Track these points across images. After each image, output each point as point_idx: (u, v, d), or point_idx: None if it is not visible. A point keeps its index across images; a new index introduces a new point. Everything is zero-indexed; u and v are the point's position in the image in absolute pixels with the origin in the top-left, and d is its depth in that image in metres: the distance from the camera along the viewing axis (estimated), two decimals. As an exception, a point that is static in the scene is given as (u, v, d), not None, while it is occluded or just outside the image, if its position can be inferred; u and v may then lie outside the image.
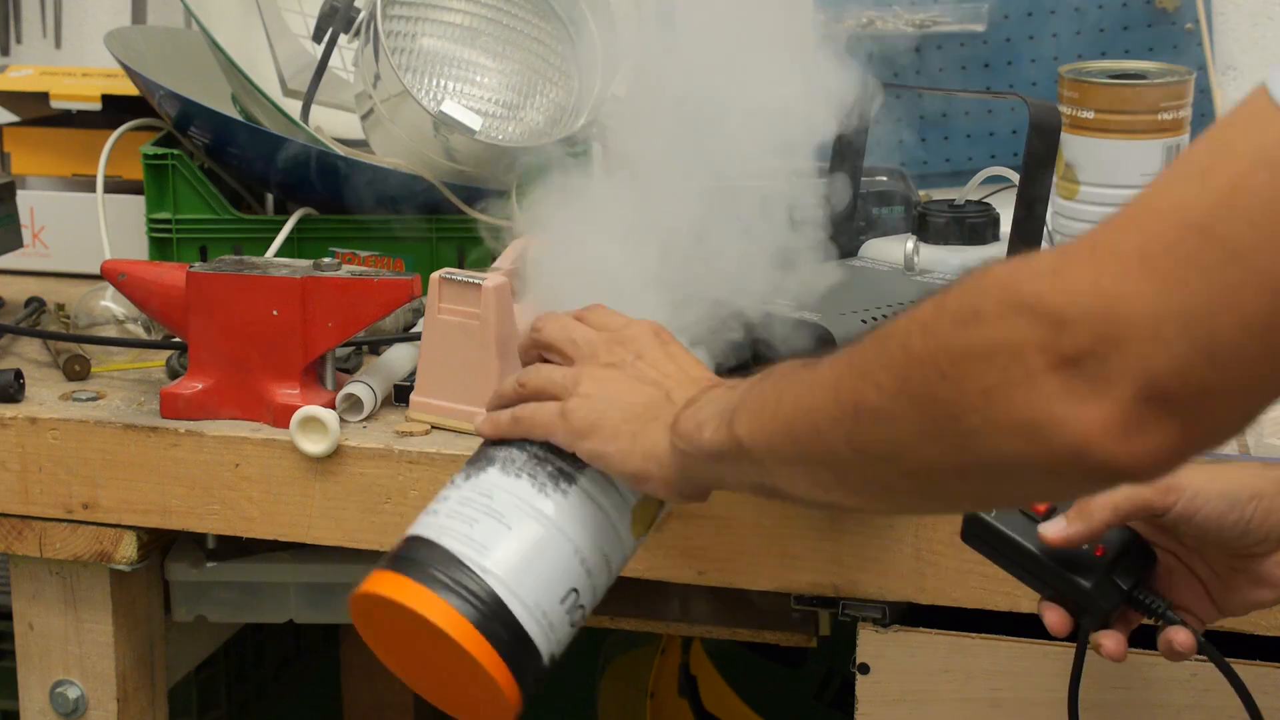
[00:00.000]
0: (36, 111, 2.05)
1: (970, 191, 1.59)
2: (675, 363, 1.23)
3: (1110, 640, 1.20)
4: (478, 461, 1.24)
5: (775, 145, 1.39)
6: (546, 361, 1.28)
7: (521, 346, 1.31)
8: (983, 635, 1.43)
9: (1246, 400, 0.84)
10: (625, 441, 1.18)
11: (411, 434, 1.53)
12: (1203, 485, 1.17)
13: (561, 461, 1.21)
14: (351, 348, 1.68)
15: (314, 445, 1.52)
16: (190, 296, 1.56)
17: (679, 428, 1.16)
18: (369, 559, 1.61)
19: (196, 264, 1.60)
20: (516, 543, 1.18)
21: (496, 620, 1.15)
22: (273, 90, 1.88)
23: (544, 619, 1.17)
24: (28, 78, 2.07)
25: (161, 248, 1.82)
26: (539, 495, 1.20)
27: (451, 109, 1.70)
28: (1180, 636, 1.19)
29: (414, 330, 1.68)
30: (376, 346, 1.69)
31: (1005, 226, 1.49)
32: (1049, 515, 1.18)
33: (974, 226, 1.52)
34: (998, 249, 1.48)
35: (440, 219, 1.78)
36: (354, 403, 1.56)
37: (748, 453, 1.08)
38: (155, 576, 1.70)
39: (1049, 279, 0.85)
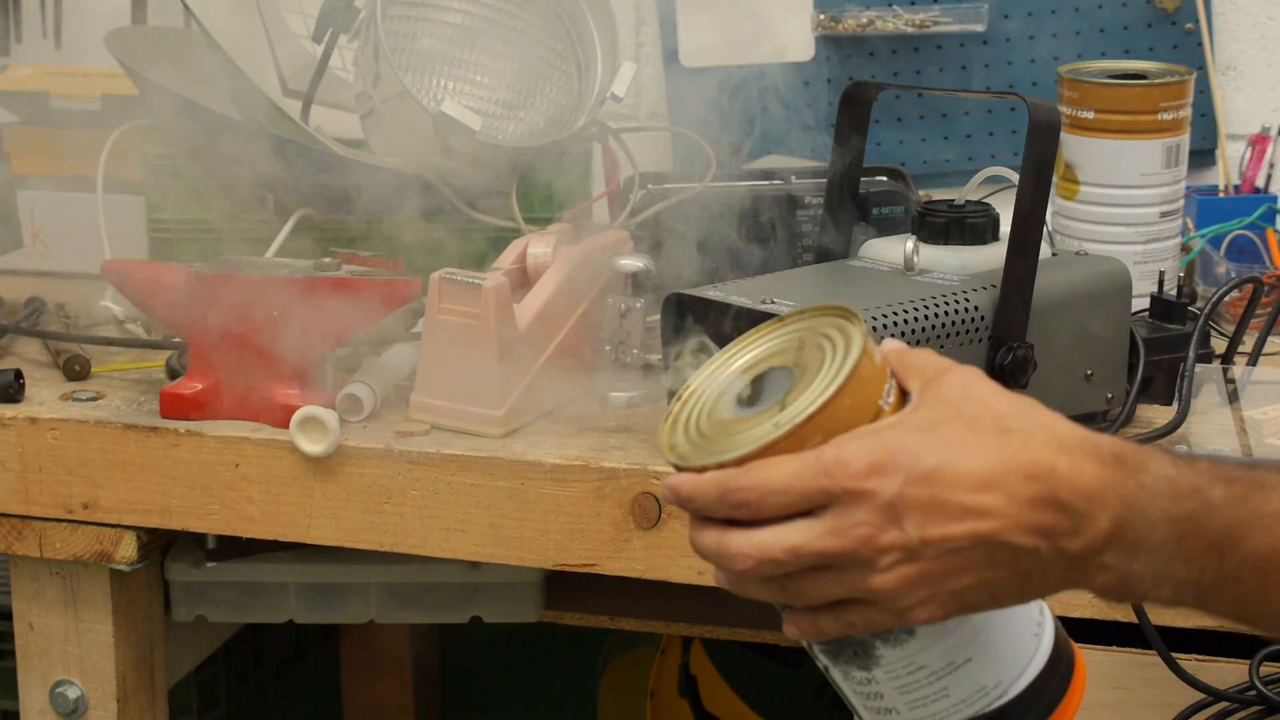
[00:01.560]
0: (36, 111, 2.05)
1: (970, 191, 1.59)
2: (943, 510, 0.93)
3: None
4: (845, 651, 1.03)
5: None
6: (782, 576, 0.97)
7: (750, 573, 0.96)
8: (983, 635, 1.43)
9: None
10: (1013, 601, 0.98)
11: (411, 434, 1.53)
12: None
13: None
14: (351, 348, 1.68)
15: (314, 445, 1.52)
16: (190, 296, 1.56)
17: (1099, 582, 0.96)
18: (369, 559, 1.62)
19: (196, 264, 1.60)
20: (981, 664, 1.02)
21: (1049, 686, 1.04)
22: (273, 90, 1.88)
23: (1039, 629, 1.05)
24: (28, 78, 2.07)
25: (161, 248, 1.82)
26: (942, 626, 1.01)
27: (451, 109, 1.70)
28: None
29: (414, 330, 1.68)
30: (376, 346, 1.69)
31: (1005, 226, 1.49)
32: None
33: (974, 226, 1.52)
34: (998, 249, 1.48)
35: (440, 219, 1.78)
36: (354, 403, 1.56)
37: (1217, 614, 0.98)
38: (155, 576, 1.70)
39: None
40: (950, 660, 1.01)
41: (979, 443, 0.94)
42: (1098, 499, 0.93)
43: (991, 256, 1.49)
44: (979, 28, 2.05)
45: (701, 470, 0.96)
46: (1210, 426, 1.52)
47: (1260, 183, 1.96)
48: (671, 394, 1.04)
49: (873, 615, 0.96)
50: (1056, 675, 1.04)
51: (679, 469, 0.98)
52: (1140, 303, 1.64)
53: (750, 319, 1.40)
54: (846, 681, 1.04)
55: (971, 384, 0.98)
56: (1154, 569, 0.95)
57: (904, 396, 0.99)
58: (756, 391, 1.01)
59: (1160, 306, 1.64)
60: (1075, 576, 0.95)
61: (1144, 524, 0.94)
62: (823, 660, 1.04)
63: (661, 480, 1.46)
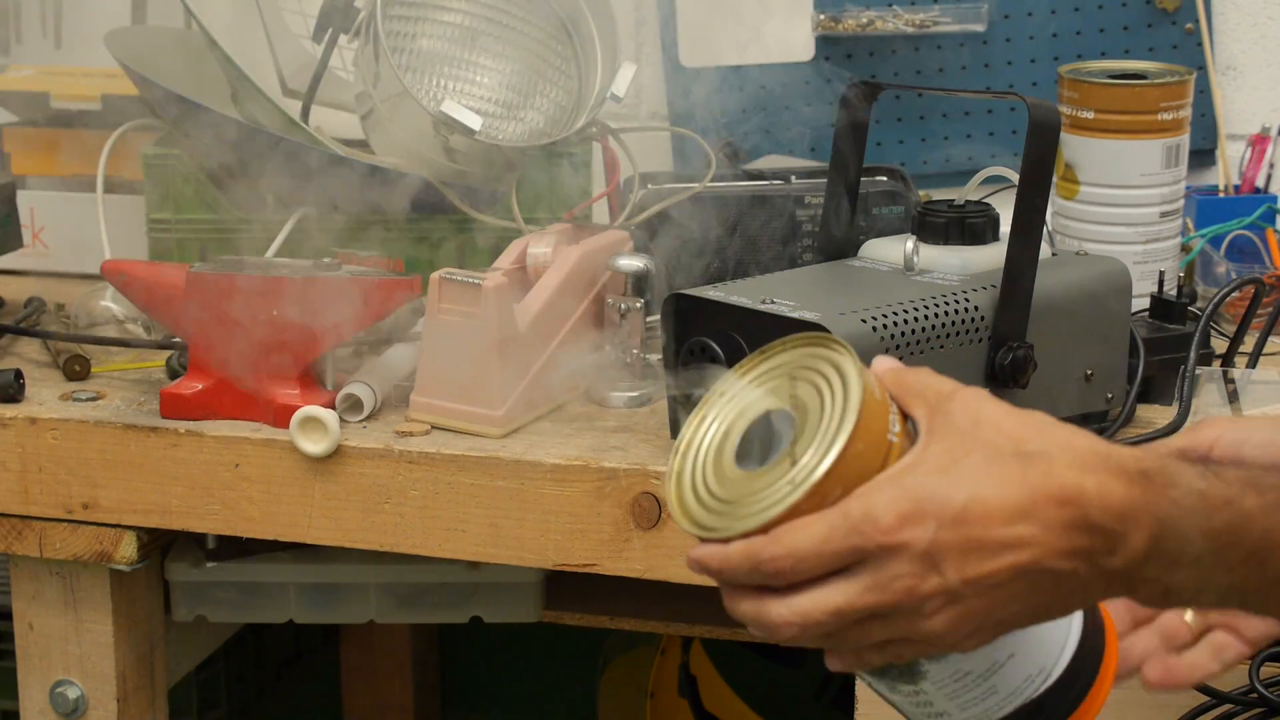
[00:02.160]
0: (36, 111, 2.05)
1: (970, 191, 1.59)
2: (980, 549, 0.92)
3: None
4: (890, 671, 1.02)
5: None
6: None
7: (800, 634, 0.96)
8: (983, 635, 1.43)
9: None
10: (1059, 615, 0.98)
11: (411, 434, 1.53)
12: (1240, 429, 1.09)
13: None
14: (351, 348, 1.68)
15: (314, 445, 1.52)
16: (190, 296, 1.56)
17: (1143, 594, 0.96)
18: (369, 559, 1.62)
19: (196, 264, 1.60)
20: (1023, 656, 1.02)
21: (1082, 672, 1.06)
22: (273, 90, 1.88)
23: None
24: (28, 78, 2.07)
25: (161, 248, 1.82)
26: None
27: (451, 109, 1.70)
28: None
29: (414, 330, 1.68)
30: (376, 346, 1.69)
31: (1005, 226, 1.49)
32: None
33: (974, 226, 1.52)
34: (998, 249, 1.48)
35: (440, 219, 1.78)
36: (354, 403, 1.56)
37: (1263, 614, 1.01)
38: (155, 576, 1.70)
39: None
40: (994, 661, 1.01)
41: (1003, 473, 0.93)
42: (1130, 518, 0.93)
43: (991, 256, 1.49)
44: (979, 28, 2.05)
45: (726, 541, 0.95)
46: (1210, 426, 1.52)
47: (1260, 183, 1.96)
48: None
49: (919, 649, 0.96)
50: (1093, 635, 1.04)
51: (701, 539, 0.96)
52: (1140, 303, 1.64)
53: (750, 319, 1.40)
54: (894, 694, 1.04)
55: (981, 407, 0.96)
56: (1195, 579, 0.95)
57: (907, 420, 0.98)
58: (758, 440, 0.99)
59: (1160, 306, 1.64)
60: (1118, 589, 0.95)
61: (1180, 538, 0.94)
62: (866, 678, 1.04)
63: (660, 479, 1.46)
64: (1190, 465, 0.96)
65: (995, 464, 0.93)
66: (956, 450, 0.94)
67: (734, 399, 1.02)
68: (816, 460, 0.94)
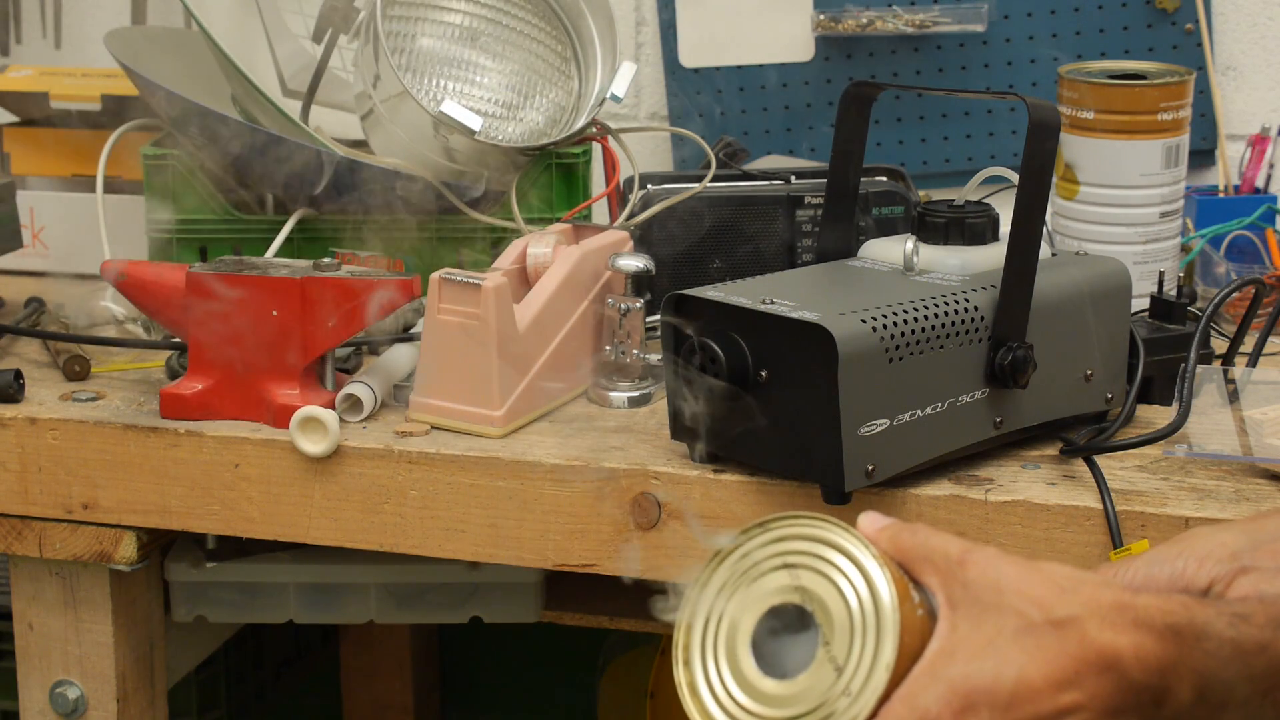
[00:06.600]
0: (36, 111, 2.05)
1: (970, 191, 1.59)
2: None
3: None
4: None
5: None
6: None
7: None
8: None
9: None
10: None
11: (411, 434, 1.53)
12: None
13: None
14: (351, 348, 1.68)
15: (314, 445, 1.52)
16: (190, 296, 1.56)
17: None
18: (369, 559, 1.62)
19: (196, 264, 1.60)
20: None
21: None
22: (273, 90, 1.88)
23: None
24: (28, 78, 2.07)
25: (161, 248, 1.82)
26: None
27: (451, 109, 1.70)
28: None
29: (414, 330, 1.69)
30: (376, 346, 1.69)
31: (1005, 227, 1.49)
32: None
33: (974, 227, 1.51)
34: (997, 249, 1.48)
35: (440, 219, 1.78)
36: (354, 403, 1.56)
37: None
38: (155, 576, 1.70)
39: None
40: None
41: (1039, 646, 0.95)
42: (1170, 673, 0.96)
43: (991, 256, 1.49)
44: (979, 28, 2.06)
45: None
46: (1210, 426, 1.52)
47: (1260, 183, 1.96)
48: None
49: None
50: None
51: None
52: (1140, 303, 1.64)
53: (750, 319, 1.40)
54: None
55: (998, 574, 0.98)
56: (1245, 716, 0.98)
57: (920, 587, 0.98)
58: (777, 639, 0.98)
59: (1160, 306, 1.64)
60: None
61: (1223, 687, 0.97)
62: None
63: (661, 479, 1.46)
64: (1215, 612, 0.98)
65: (1029, 636, 0.95)
66: (987, 627, 0.96)
67: (727, 595, 0.99)
68: (869, 665, 0.94)
